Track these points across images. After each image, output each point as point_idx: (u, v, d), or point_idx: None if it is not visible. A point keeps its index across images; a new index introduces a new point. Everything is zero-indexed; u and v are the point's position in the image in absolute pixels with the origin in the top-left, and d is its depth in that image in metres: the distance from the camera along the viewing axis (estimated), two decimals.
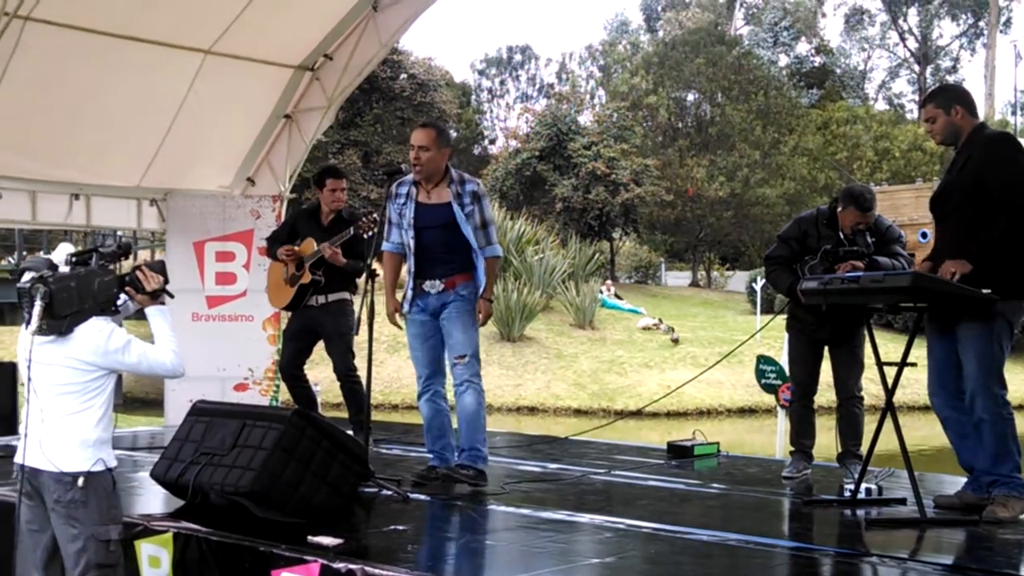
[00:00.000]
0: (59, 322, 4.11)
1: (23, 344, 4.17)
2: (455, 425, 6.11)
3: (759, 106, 38.99)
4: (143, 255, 23.54)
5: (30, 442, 4.17)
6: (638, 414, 18.52)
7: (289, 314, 7.85)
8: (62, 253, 4.38)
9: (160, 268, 4.47)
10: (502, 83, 56.08)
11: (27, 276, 4.15)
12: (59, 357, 4.16)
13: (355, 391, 7.49)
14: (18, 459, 4.24)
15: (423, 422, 6.15)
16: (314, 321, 7.60)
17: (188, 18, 8.48)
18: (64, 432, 4.15)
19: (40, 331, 4.08)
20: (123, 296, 4.40)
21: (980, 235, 5.06)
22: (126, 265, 5.12)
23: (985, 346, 5.09)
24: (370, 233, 7.21)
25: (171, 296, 4.56)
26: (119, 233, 21.55)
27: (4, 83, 7.92)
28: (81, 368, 4.17)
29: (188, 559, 4.79)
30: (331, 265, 7.42)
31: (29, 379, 4.12)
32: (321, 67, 9.62)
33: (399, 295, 6.17)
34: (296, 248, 7.58)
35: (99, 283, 4.24)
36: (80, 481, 4.12)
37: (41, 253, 25.26)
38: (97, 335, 4.18)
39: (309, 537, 4.56)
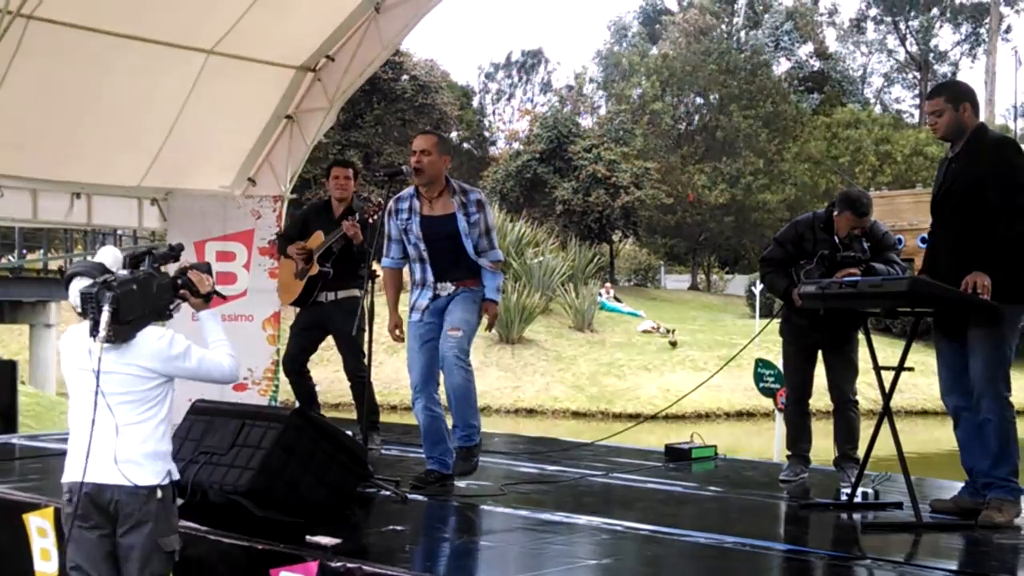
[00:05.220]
0: (124, 328, 3.93)
1: (78, 350, 4.02)
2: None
3: (767, 113, 39.02)
4: None
5: (98, 457, 3.92)
6: (639, 419, 18.51)
7: (292, 313, 7.84)
8: (108, 255, 4.22)
9: (208, 269, 4.35)
10: (512, 86, 56.10)
11: (84, 282, 3.98)
12: (119, 365, 3.97)
13: (364, 391, 7.46)
14: (75, 477, 3.96)
15: (420, 429, 6.12)
16: (325, 317, 7.55)
17: (191, 18, 8.50)
18: (131, 444, 3.98)
19: (108, 339, 3.88)
20: (175, 300, 4.27)
21: (986, 240, 5.06)
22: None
23: (994, 350, 5.10)
24: (375, 218, 7.12)
25: (223, 297, 4.46)
26: (119, 232, 21.60)
27: (6, 82, 7.94)
28: (143, 376, 4.02)
29: (187, 558, 4.80)
30: (339, 258, 7.40)
31: (98, 390, 3.88)
32: (323, 68, 9.65)
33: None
34: (305, 244, 7.59)
35: (157, 286, 4.09)
36: (158, 493, 4.01)
37: (31, 253, 25.25)
38: (158, 341, 4.04)
39: (308, 536, 4.57)
